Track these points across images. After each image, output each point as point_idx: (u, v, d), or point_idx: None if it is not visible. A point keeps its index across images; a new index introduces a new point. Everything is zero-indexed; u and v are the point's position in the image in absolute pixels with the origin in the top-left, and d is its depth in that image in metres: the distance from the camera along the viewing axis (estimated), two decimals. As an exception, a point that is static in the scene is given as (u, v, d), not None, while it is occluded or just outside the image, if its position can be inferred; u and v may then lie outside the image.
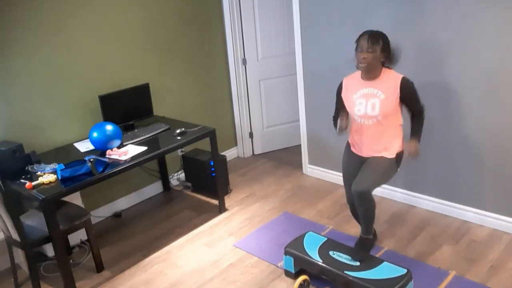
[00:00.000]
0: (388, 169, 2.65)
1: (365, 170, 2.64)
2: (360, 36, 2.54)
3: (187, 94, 4.19)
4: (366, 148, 2.71)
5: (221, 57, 4.41)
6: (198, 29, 4.14)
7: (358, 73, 2.66)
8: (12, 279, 2.96)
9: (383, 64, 2.58)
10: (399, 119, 2.64)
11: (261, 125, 4.69)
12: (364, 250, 2.70)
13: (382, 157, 2.66)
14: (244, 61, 4.43)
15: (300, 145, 4.45)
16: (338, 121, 2.73)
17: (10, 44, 3.00)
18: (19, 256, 3.08)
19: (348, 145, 2.87)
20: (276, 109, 4.67)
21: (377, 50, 2.48)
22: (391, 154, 2.65)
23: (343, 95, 2.73)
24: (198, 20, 4.13)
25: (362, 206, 2.62)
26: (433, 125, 3.20)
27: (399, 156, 2.69)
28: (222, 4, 4.26)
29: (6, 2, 2.93)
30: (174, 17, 3.92)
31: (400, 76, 2.54)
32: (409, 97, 2.56)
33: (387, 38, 2.53)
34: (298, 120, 4.17)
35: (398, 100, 2.55)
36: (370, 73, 2.56)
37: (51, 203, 2.58)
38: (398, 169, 2.72)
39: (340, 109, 2.77)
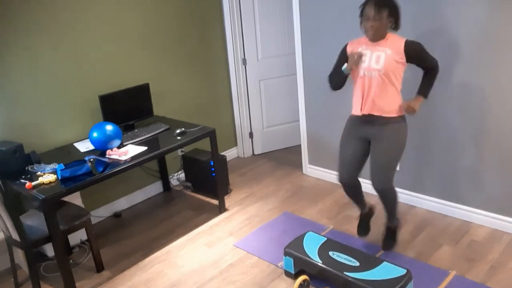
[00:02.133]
0: (399, 150, 2.63)
1: (376, 165, 2.62)
2: (366, 3, 2.49)
3: (187, 94, 4.19)
4: (370, 102, 2.61)
5: (221, 57, 4.41)
6: (198, 29, 4.14)
7: (363, 37, 2.64)
8: (12, 279, 2.96)
9: (392, 28, 2.55)
10: (398, 83, 2.58)
11: (261, 125, 4.69)
12: (393, 239, 2.92)
13: (385, 141, 2.60)
14: (244, 61, 4.43)
15: (300, 145, 4.45)
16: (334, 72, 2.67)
17: (10, 44, 3.00)
18: (19, 256, 3.08)
19: (349, 121, 2.80)
20: (276, 109, 4.67)
21: (384, 17, 2.45)
22: (393, 112, 2.60)
23: (348, 52, 2.67)
24: (198, 20, 4.13)
25: (387, 199, 2.73)
26: (433, 125, 3.20)
27: (403, 127, 2.64)
28: (222, 4, 4.26)
29: (6, 3, 2.93)
30: (174, 17, 3.92)
31: (404, 39, 2.52)
32: (418, 53, 2.53)
33: (393, 3, 2.48)
34: (298, 120, 4.17)
35: (402, 61, 2.52)
36: (377, 39, 2.55)
37: (51, 203, 2.58)
38: (406, 137, 2.66)
39: (340, 67, 2.69)
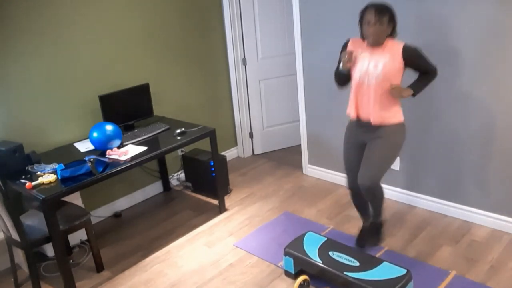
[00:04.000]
0: (392, 152, 2.63)
1: (368, 160, 2.62)
2: (366, 8, 2.50)
3: (187, 94, 4.19)
4: (368, 107, 2.61)
5: (221, 57, 4.41)
6: (198, 29, 4.14)
7: (361, 40, 2.65)
8: (12, 279, 2.96)
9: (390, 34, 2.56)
10: None
11: (261, 125, 4.69)
12: (378, 234, 2.89)
13: (381, 142, 2.61)
14: (244, 61, 4.43)
15: (300, 145, 4.45)
16: (341, 62, 2.63)
17: (10, 44, 3.00)
18: (19, 256, 3.08)
19: (347, 128, 2.82)
20: (276, 109, 4.67)
21: (385, 23, 2.46)
22: (390, 118, 2.59)
23: (349, 49, 2.67)
24: (198, 20, 4.13)
25: (372, 196, 2.69)
26: (432, 124, 3.19)
27: (402, 133, 2.64)
28: (222, 4, 4.26)
29: (7, 3, 2.93)
30: (174, 18, 3.92)
31: (402, 44, 2.52)
32: (416, 59, 2.54)
33: (392, 10, 2.50)
34: (298, 120, 4.17)
35: (401, 66, 2.52)
36: (376, 45, 2.55)
37: (51, 203, 2.58)
38: (403, 142, 2.67)
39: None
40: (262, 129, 4.71)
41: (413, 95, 2.57)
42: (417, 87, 2.59)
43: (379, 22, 2.45)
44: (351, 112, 2.72)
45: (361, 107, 2.65)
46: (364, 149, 2.73)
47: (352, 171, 2.82)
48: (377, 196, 2.71)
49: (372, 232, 2.97)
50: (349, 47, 2.69)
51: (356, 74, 2.62)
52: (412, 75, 2.66)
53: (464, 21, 2.85)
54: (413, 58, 2.53)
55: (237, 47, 4.36)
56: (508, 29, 2.69)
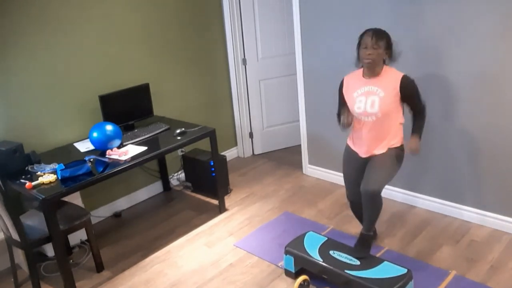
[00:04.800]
0: (393, 165, 2.65)
1: (371, 170, 2.64)
2: (364, 32, 2.54)
3: (187, 94, 4.19)
4: (366, 145, 2.71)
5: (221, 57, 4.41)
6: (198, 29, 4.14)
7: (359, 71, 2.68)
8: (12, 279, 2.96)
9: (384, 62, 2.60)
10: (399, 118, 2.65)
11: (261, 125, 4.69)
12: (365, 247, 2.72)
13: (383, 154, 2.67)
14: (244, 61, 4.43)
15: (300, 145, 4.45)
16: (342, 117, 2.72)
17: (10, 44, 3.00)
18: (19, 256, 3.08)
19: (347, 144, 2.88)
20: (276, 109, 4.67)
21: (382, 47, 2.50)
22: (391, 145, 2.67)
23: (344, 92, 2.73)
24: (198, 20, 4.13)
25: (370, 205, 2.63)
26: (433, 124, 3.20)
27: (400, 150, 2.70)
28: (222, 4, 4.26)
29: (7, 3, 2.93)
30: (174, 17, 3.93)
31: (401, 75, 2.55)
32: (410, 96, 2.57)
33: (389, 36, 2.56)
34: (298, 120, 4.17)
35: (398, 99, 2.56)
36: (372, 70, 2.57)
37: (51, 203, 2.58)
38: (401, 164, 2.73)
39: (343, 105, 2.78)
40: (262, 129, 4.71)
41: (419, 139, 2.63)
42: (420, 132, 2.65)
43: (376, 45, 2.48)
44: (354, 145, 2.81)
45: (361, 143, 2.73)
46: (363, 163, 2.77)
47: (351, 183, 2.85)
48: (376, 205, 2.63)
49: (359, 243, 2.78)
50: (345, 83, 2.73)
51: (355, 114, 2.68)
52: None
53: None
54: (409, 92, 2.55)
55: (237, 47, 4.36)
56: (505, 28, 2.70)
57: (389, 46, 2.54)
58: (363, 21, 3.33)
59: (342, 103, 2.78)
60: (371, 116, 2.60)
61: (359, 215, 2.99)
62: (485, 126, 2.96)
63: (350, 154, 2.84)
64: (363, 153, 2.75)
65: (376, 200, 2.59)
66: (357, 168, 2.80)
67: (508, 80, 2.79)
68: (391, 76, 2.56)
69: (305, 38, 3.78)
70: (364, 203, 2.64)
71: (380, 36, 2.49)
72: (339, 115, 2.84)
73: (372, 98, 2.58)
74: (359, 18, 3.36)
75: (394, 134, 2.66)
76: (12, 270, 2.91)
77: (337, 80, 3.65)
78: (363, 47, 2.53)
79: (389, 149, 2.67)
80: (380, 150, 2.68)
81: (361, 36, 2.56)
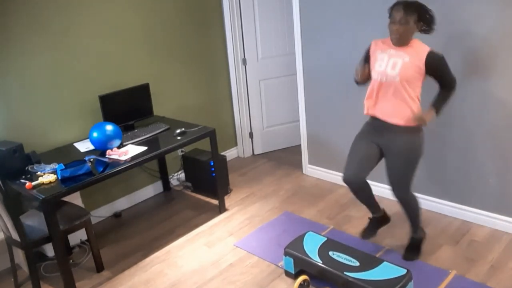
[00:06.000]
0: (416, 159, 2.58)
1: (394, 172, 2.60)
2: (394, 5, 2.43)
3: (187, 94, 4.19)
4: (382, 108, 2.58)
5: (221, 57, 4.41)
6: (198, 29, 4.14)
7: (388, 39, 2.58)
8: (12, 279, 2.96)
9: (424, 32, 2.48)
10: (416, 89, 2.51)
11: (261, 125, 4.69)
12: (416, 250, 2.86)
13: (397, 152, 2.57)
14: (244, 61, 4.43)
15: (300, 145, 4.45)
16: (358, 68, 2.61)
17: (10, 44, 3.00)
18: (19, 256, 3.08)
19: (364, 125, 2.76)
20: (276, 109, 4.67)
21: (410, 22, 2.39)
22: (401, 121, 2.53)
23: (371, 53, 2.63)
24: (198, 20, 4.13)
25: (409, 207, 2.72)
26: (433, 125, 3.19)
27: (418, 135, 2.57)
28: (222, 4, 4.26)
29: (7, 3, 2.93)
30: (174, 17, 3.92)
31: (427, 49, 2.44)
32: (436, 70, 2.45)
33: (424, 7, 2.42)
34: (298, 120, 4.17)
35: (421, 70, 2.44)
36: (401, 43, 2.48)
37: (51, 203, 2.58)
38: (423, 150, 2.62)
39: (365, 62, 2.67)
40: (262, 129, 4.71)
41: (437, 114, 2.51)
42: (439, 106, 2.51)
43: (405, 20, 2.38)
44: (367, 110, 2.67)
45: (377, 106, 2.61)
46: (376, 149, 2.67)
47: (354, 162, 2.67)
48: (412, 206, 2.71)
49: (409, 247, 2.88)
50: (372, 47, 2.64)
51: (374, 74, 2.58)
52: (433, 86, 2.58)
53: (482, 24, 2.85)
54: (435, 67, 2.44)
55: (237, 47, 4.36)
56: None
57: (421, 18, 2.41)
58: (363, 21, 3.33)
59: (365, 60, 2.67)
60: (390, 77, 2.48)
61: (362, 198, 2.81)
62: (486, 126, 2.96)
63: (364, 134, 2.71)
64: (382, 115, 2.59)
65: (411, 201, 2.70)
66: (366, 151, 2.66)
67: (507, 78, 2.79)
68: (419, 49, 2.45)
69: (305, 38, 3.78)
70: (402, 207, 2.75)
71: (409, 10, 2.37)
72: (356, 69, 2.69)
73: (395, 60, 2.48)
74: (359, 18, 3.36)
75: (410, 104, 2.50)
76: (12, 270, 2.91)
77: (337, 80, 3.67)
78: (391, 21, 2.43)
79: (401, 136, 2.53)
80: (396, 119, 2.53)
81: (391, 8, 2.45)
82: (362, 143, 2.70)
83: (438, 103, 2.52)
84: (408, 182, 2.64)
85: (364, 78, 2.63)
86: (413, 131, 2.55)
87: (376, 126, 2.66)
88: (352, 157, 2.70)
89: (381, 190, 3.64)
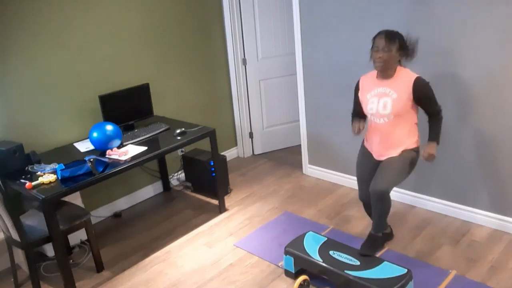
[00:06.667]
0: (404, 166, 2.64)
1: (381, 170, 2.64)
2: (377, 35, 2.53)
3: (187, 94, 4.19)
4: (380, 147, 2.70)
5: (221, 57, 4.41)
6: (198, 29, 4.14)
7: (374, 72, 2.67)
8: (12, 279, 2.96)
9: (400, 62, 2.58)
10: (413, 118, 2.62)
11: (261, 125, 4.69)
12: (372, 246, 2.78)
13: (395, 156, 2.65)
14: (244, 61, 4.43)
15: (300, 145, 4.45)
16: (353, 123, 2.76)
17: (10, 44, 3.00)
18: (19, 256, 3.08)
19: (363, 144, 2.88)
20: (276, 109, 4.67)
21: (393, 50, 2.48)
22: (405, 147, 2.65)
23: (359, 93, 2.74)
24: (198, 20, 4.13)
25: (378, 205, 2.65)
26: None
27: (414, 152, 2.67)
28: (222, 4, 4.26)
29: (7, 3, 2.93)
30: (174, 17, 3.92)
31: (414, 77, 2.52)
32: (423, 98, 2.54)
33: (402, 37, 2.53)
34: (298, 120, 4.17)
35: (411, 100, 2.54)
36: (385, 72, 2.56)
37: (51, 203, 2.58)
38: (414, 166, 2.70)
39: (357, 106, 2.79)
40: (262, 129, 4.71)
41: (437, 144, 2.61)
42: (436, 137, 2.61)
43: (387, 48, 2.46)
44: (367, 145, 2.81)
45: (373, 144, 2.74)
46: (377, 165, 2.77)
47: (363, 183, 2.84)
48: (383, 205, 2.65)
49: (367, 242, 2.82)
50: (360, 85, 2.73)
51: (368, 116, 2.69)
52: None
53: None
54: (422, 95, 2.52)
55: (237, 47, 4.36)
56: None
57: (402, 47, 2.51)
58: (362, 21, 3.34)
59: (357, 104, 2.79)
60: (383, 117, 2.60)
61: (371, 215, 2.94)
62: (486, 127, 2.96)
63: (364, 155, 2.84)
64: (376, 155, 2.75)
65: (383, 200, 2.59)
66: (370, 169, 2.79)
67: (507, 80, 2.79)
68: (405, 78, 2.54)
69: (305, 38, 3.78)
70: (372, 203, 2.65)
71: (392, 38, 2.47)
72: (353, 115, 2.86)
73: (385, 100, 2.57)
74: (358, 19, 3.36)
75: (408, 135, 2.63)
76: (12, 270, 2.91)
77: (337, 80, 3.67)
78: (374, 50, 2.52)
79: (404, 151, 2.65)
80: (393, 152, 2.66)
81: (374, 38, 2.54)
82: (365, 164, 2.83)
83: (435, 136, 2.62)
84: (391, 182, 2.58)
85: (360, 130, 2.75)
86: (413, 150, 2.69)
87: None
88: (360, 178, 2.86)
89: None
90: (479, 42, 2.82)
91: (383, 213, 2.69)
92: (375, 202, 2.62)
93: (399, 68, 2.58)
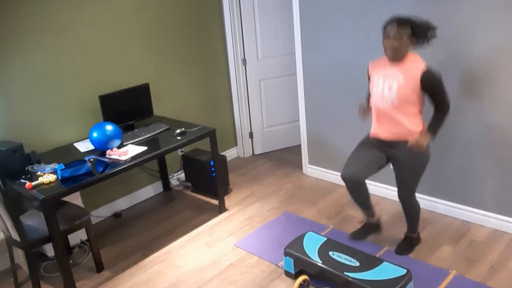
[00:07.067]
0: (422, 167, 2.66)
1: (400, 177, 2.71)
2: (388, 22, 2.48)
3: (187, 94, 4.19)
4: (384, 130, 2.66)
5: (221, 57, 4.41)
6: (198, 29, 4.14)
7: (384, 57, 2.65)
8: (12, 279, 2.97)
9: (421, 43, 2.52)
10: (417, 106, 2.56)
11: (261, 125, 4.69)
12: (408, 247, 2.92)
13: (406, 158, 2.63)
14: (244, 61, 4.43)
15: (300, 145, 4.45)
16: (360, 105, 2.74)
17: (10, 44, 3.00)
18: (19, 256, 3.08)
19: (366, 136, 2.86)
20: (276, 109, 4.67)
21: (404, 37, 2.43)
22: (407, 136, 2.60)
23: (369, 73, 2.73)
24: (198, 20, 4.13)
25: (410, 209, 2.82)
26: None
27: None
28: (222, 4, 4.26)
29: (7, 3, 2.93)
30: (174, 17, 3.92)
31: (423, 67, 2.46)
32: (431, 90, 2.49)
33: (416, 22, 2.46)
34: (298, 120, 4.17)
35: (417, 89, 2.49)
36: (395, 58, 2.52)
37: (51, 203, 2.58)
38: (428, 159, 2.67)
39: (370, 91, 2.76)
40: (262, 129, 4.71)
41: (433, 137, 2.56)
42: (435, 129, 2.55)
43: (398, 35, 2.43)
44: (372, 131, 2.79)
45: (380, 128, 2.70)
46: (380, 155, 2.75)
47: (354, 160, 2.73)
48: (414, 209, 2.82)
49: (404, 244, 2.95)
50: (370, 69, 2.73)
51: (372, 97, 2.67)
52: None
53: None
54: (430, 87, 2.47)
55: (237, 47, 4.36)
56: None
57: (414, 33, 2.46)
58: (363, 21, 3.33)
59: (370, 87, 2.74)
60: (387, 100, 2.55)
61: (358, 200, 2.84)
62: (487, 126, 2.96)
63: (368, 139, 2.81)
64: (380, 135, 2.69)
65: (412, 203, 2.80)
66: (369, 152, 2.74)
67: (506, 73, 2.79)
68: (414, 65, 2.49)
69: (305, 38, 3.78)
70: (403, 208, 2.85)
71: (402, 25, 2.42)
72: (367, 99, 2.85)
73: (391, 82, 2.54)
74: (359, 18, 3.36)
75: (412, 121, 2.56)
76: (12, 270, 2.91)
77: (337, 80, 3.67)
78: (385, 37, 2.49)
79: (411, 145, 2.55)
80: (399, 136, 2.61)
81: (385, 25, 2.49)
82: (365, 148, 2.79)
83: (434, 127, 2.57)
84: (414, 187, 2.74)
85: (366, 111, 2.75)
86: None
87: (381, 142, 2.74)
88: (354, 157, 2.78)
89: (382, 190, 3.65)
90: (486, 41, 2.82)
91: (415, 214, 2.84)
92: (406, 208, 2.83)
93: (409, 54, 2.53)
